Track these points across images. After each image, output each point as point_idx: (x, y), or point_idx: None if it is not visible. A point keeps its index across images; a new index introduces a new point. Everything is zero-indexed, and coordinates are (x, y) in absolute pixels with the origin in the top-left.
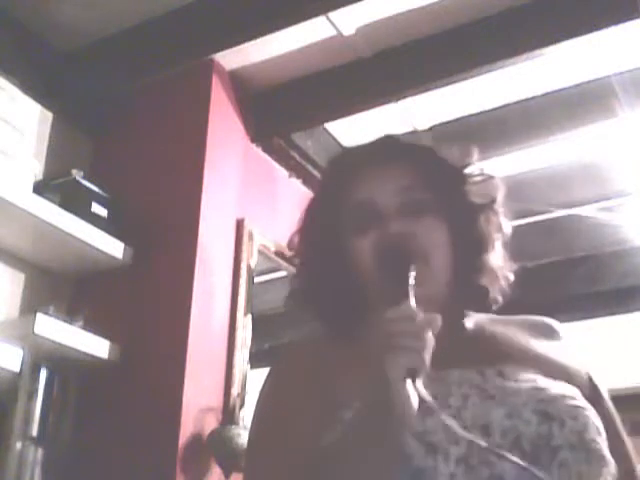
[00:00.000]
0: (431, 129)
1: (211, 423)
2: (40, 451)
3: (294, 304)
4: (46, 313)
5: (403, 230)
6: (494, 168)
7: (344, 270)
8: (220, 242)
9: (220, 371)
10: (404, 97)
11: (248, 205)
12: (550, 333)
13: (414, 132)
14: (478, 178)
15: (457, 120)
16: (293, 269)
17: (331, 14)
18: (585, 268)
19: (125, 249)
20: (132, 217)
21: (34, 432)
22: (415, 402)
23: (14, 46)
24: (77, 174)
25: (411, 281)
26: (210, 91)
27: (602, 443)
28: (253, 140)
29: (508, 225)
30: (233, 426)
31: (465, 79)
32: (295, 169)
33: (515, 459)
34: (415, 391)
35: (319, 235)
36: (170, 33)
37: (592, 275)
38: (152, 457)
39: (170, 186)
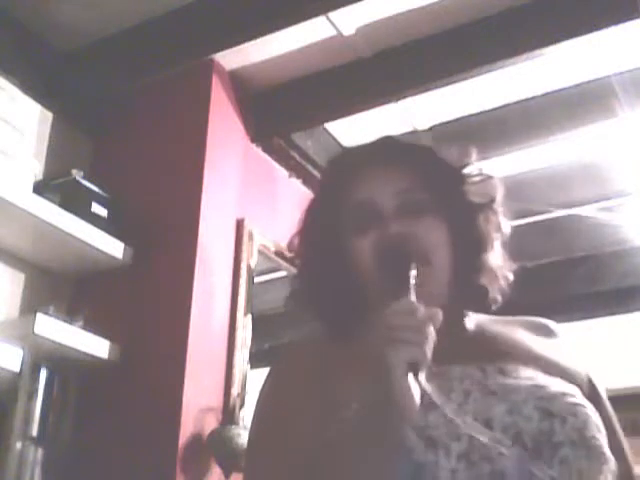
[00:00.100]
0: (431, 129)
1: (211, 423)
2: (40, 451)
3: (295, 304)
4: (46, 313)
5: (403, 230)
6: (494, 168)
7: (344, 270)
8: (220, 242)
9: (220, 371)
10: (404, 97)
11: (248, 205)
12: (548, 333)
13: (414, 132)
14: (477, 178)
15: (457, 120)
16: (293, 269)
17: (331, 14)
18: (585, 268)
19: (125, 249)
20: (132, 217)
21: (34, 432)
22: (417, 396)
23: (14, 46)
24: (77, 174)
25: (412, 278)
26: (210, 91)
27: (602, 440)
28: (253, 140)
29: (507, 225)
30: (233, 426)
31: (465, 79)
32: (295, 169)
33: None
34: (417, 385)
35: (319, 235)
36: (170, 33)
37: (592, 275)
38: (152, 457)
39: (170, 186)
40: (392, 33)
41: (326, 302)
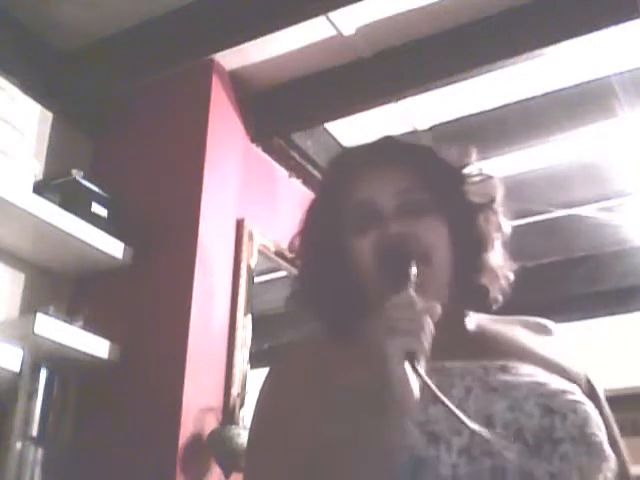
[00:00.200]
0: (431, 129)
1: (211, 423)
2: (40, 451)
3: (295, 305)
4: (46, 313)
5: (403, 230)
6: (494, 168)
7: (345, 270)
8: (220, 242)
9: (220, 371)
10: (404, 97)
11: (248, 205)
12: (547, 333)
13: (414, 132)
14: (477, 178)
15: (457, 120)
16: (293, 269)
17: (331, 14)
18: (585, 268)
19: (125, 249)
20: (132, 217)
21: (34, 432)
22: (416, 387)
23: (14, 46)
24: (77, 174)
25: (412, 275)
26: (210, 91)
27: (602, 437)
28: (253, 140)
29: (507, 224)
30: (233, 426)
31: (465, 79)
32: (295, 169)
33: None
34: (416, 376)
35: (319, 236)
36: (170, 33)
37: (592, 275)
38: (152, 457)
39: (170, 186)
40: (392, 33)
41: (326, 302)
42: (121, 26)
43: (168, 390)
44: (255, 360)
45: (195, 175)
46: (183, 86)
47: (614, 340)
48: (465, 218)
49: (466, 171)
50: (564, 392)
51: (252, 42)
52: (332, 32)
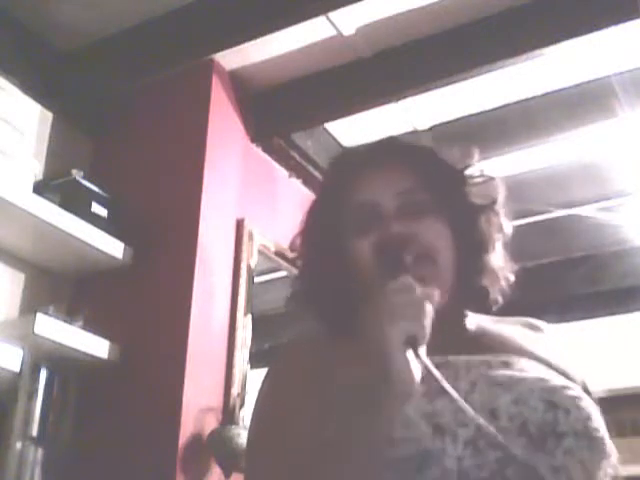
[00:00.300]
0: (431, 129)
1: (211, 423)
2: (40, 451)
3: (295, 305)
4: (46, 313)
5: (404, 231)
6: (494, 168)
7: (345, 271)
8: (220, 242)
9: (220, 371)
10: (404, 97)
11: (248, 205)
12: (546, 334)
13: (414, 132)
14: (478, 179)
15: (457, 120)
16: (293, 269)
17: (331, 14)
18: (585, 268)
19: (125, 249)
20: (132, 217)
21: (34, 432)
22: (417, 372)
23: (14, 46)
24: (77, 174)
25: (408, 262)
26: (210, 91)
27: (604, 433)
28: (253, 140)
29: (509, 226)
30: (233, 426)
31: (465, 79)
32: (295, 169)
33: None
34: (418, 362)
35: (320, 236)
36: (170, 33)
37: (592, 275)
38: (152, 457)
39: (170, 186)
40: (392, 33)
41: (327, 302)
42: (121, 26)
43: (168, 390)
44: (255, 360)
45: (195, 175)
46: (183, 86)
47: (614, 340)
48: (466, 219)
49: (468, 172)
50: (567, 388)
51: (252, 42)
52: (332, 32)
